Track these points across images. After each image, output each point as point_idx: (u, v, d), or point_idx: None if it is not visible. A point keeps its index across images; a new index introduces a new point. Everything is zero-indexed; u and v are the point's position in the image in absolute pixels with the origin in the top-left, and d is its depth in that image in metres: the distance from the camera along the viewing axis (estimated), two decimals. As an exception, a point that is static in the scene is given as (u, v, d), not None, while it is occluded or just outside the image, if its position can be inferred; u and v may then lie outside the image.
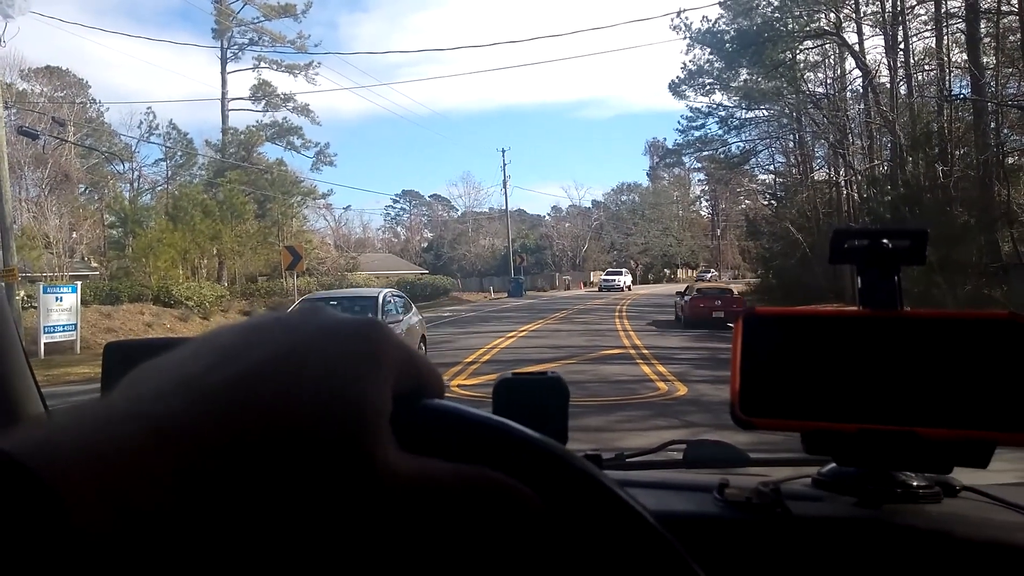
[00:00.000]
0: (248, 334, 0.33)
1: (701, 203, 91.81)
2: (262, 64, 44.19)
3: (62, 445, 0.24)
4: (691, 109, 38.56)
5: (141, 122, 47.25)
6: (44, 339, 16.05)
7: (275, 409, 0.29)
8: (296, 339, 0.32)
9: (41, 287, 17.14)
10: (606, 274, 55.79)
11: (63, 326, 16.88)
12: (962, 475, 0.78)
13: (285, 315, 0.35)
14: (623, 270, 56.15)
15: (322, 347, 0.32)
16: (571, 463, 0.36)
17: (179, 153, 45.65)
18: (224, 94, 43.07)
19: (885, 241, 0.74)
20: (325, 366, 0.31)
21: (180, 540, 0.25)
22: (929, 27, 25.23)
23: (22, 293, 18.15)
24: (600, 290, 51.22)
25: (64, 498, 0.22)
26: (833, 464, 0.80)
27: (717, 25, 31.52)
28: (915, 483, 0.76)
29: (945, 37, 23.72)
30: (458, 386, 9.76)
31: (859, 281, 0.75)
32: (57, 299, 16.83)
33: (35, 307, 16.61)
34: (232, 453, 0.27)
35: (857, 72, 29.62)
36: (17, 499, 0.22)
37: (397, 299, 13.50)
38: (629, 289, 53.35)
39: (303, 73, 44.67)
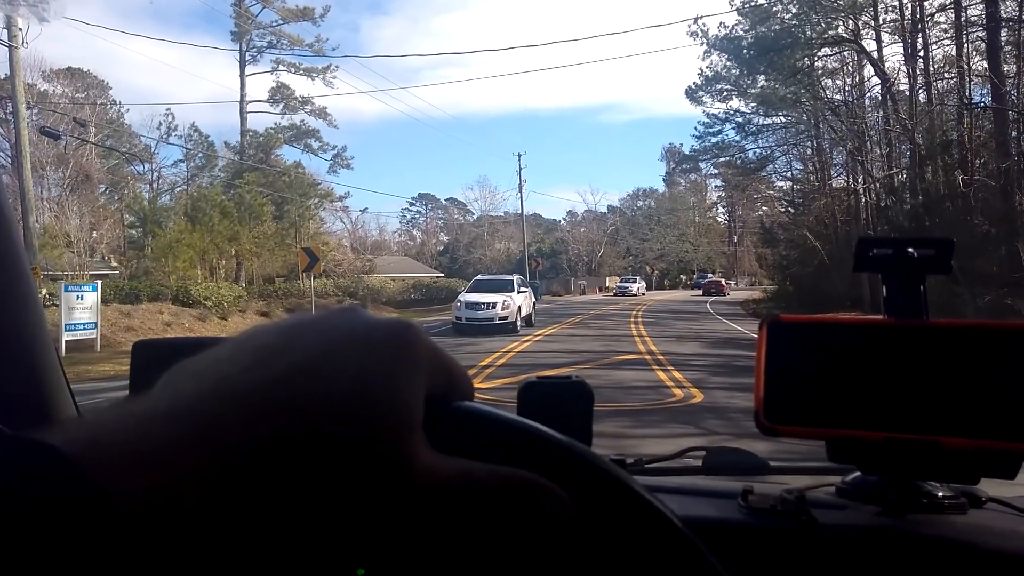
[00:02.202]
0: (283, 336, 0.33)
1: (718, 209, 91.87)
2: (280, 67, 44.53)
3: (106, 442, 0.25)
4: (708, 115, 38.43)
5: (161, 123, 47.73)
6: (65, 337, 16.20)
7: (310, 411, 0.29)
8: (331, 340, 0.32)
9: (62, 285, 17.30)
10: (469, 290, 23.73)
11: (84, 324, 17.04)
12: (989, 486, 0.78)
13: (319, 317, 0.35)
14: (514, 279, 24.13)
15: (356, 349, 0.32)
16: (601, 467, 0.36)
17: (199, 155, 46.05)
18: (242, 96, 43.39)
19: (910, 250, 0.74)
20: (359, 368, 0.31)
21: (216, 538, 0.26)
22: (949, 35, 25.07)
23: (44, 291, 18.34)
24: (458, 325, 21.20)
25: (109, 493, 0.23)
26: (857, 473, 0.79)
27: (735, 31, 31.45)
28: (940, 493, 0.76)
29: (965, 45, 23.53)
30: (473, 389, 9.74)
31: (884, 290, 0.75)
32: (78, 297, 16.99)
33: (56, 305, 16.77)
34: (268, 455, 0.27)
35: (876, 79, 29.45)
36: (64, 494, 0.23)
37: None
38: (527, 324, 22.62)
39: (321, 76, 44.94)
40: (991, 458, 0.69)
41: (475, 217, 78.13)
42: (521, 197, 58.69)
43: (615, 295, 56.35)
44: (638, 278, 65.03)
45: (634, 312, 30.74)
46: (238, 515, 0.26)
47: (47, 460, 0.23)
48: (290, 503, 0.28)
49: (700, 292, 57.57)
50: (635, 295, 55.90)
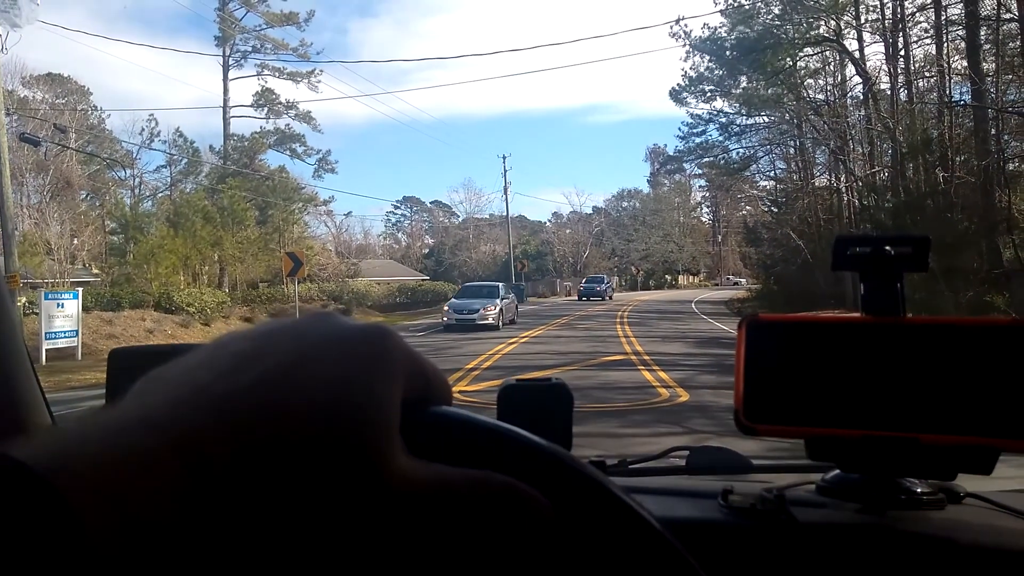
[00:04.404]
0: (258, 341, 0.33)
1: (702, 209, 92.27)
2: (265, 71, 44.35)
3: (75, 455, 0.24)
4: (692, 116, 38.63)
5: (143, 129, 47.39)
6: (46, 345, 16.05)
7: (286, 417, 0.29)
8: (306, 346, 0.32)
9: (42, 293, 17.13)
10: None
11: (65, 332, 16.89)
12: (966, 482, 0.78)
13: (294, 322, 0.35)
14: None
15: (332, 354, 0.32)
16: (578, 469, 0.36)
17: (182, 160, 45.74)
18: (226, 101, 43.16)
19: (887, 248, 0.75)
20: (335, 373, 0.31)
21: (192, 548, 0.25)
22: (929, 34, 25.29)
23: (24, 299, 18.16)
24: None
25: (77, 508, 0.23)
26: (837, 471, 0.80)
27: (717, 32, 31.61)
28: (919, 489, 0.76)
29: (945, 44, 23.76)
30: (460, 392, 9.75)
31: (862, 288, 0.75)
32: (59, 305, 16.83)
33: (37, 313, 16.61)
34: (244, 461, 0.27)
35: (857, 79, 29.70)
36: (31, 509, 0.22)
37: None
38: None
39: (305, 80, 44.79)
40: (968, 454, 0.69)
41: (460, 220, 78.08)
42: (506, 199, 58.67)
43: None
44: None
45: (620, 313, 30.82)
46: (213, 526, 0.26)
47: (12, 474, 0.23)
48: (267, 511, 0.27)
49: (584, 299, 44.99)
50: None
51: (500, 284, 26.10)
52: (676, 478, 1.06)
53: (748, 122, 37.65)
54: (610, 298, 46.54)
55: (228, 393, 0.29)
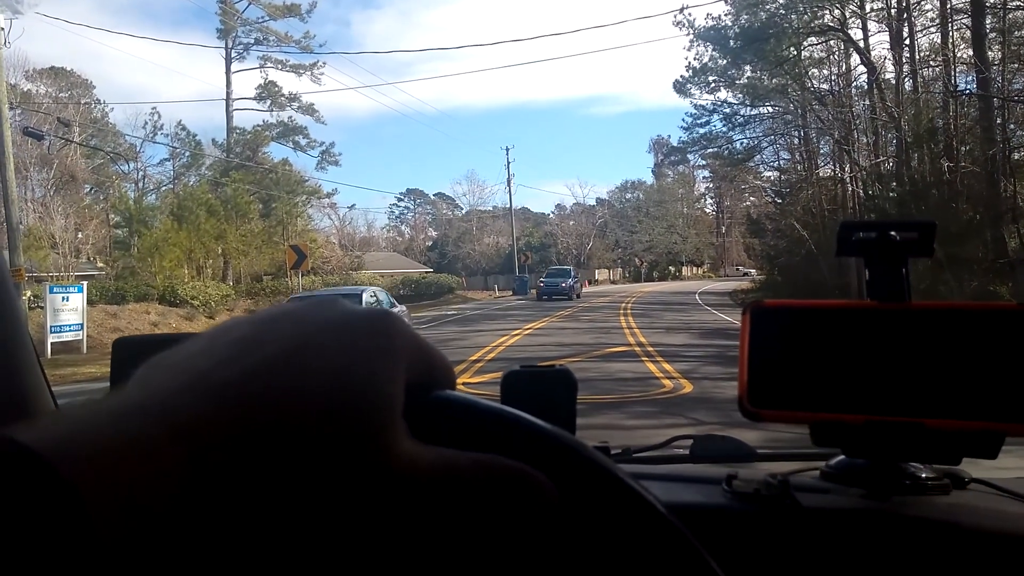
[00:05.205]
0: (259, 327, 0.32)
1: (706, 200, 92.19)
2: (268, 64, 44.31)
3: (78, 439, 0.24)
4: (696, 106, 38.50)
5: (146, 122, 47.45)
6: (51, 339, 16.11)
7: (288, 402, 0.29)
8: (308, 332, 0.32)
9: (47, 287, 17.21)
10: None
11: (70, 326, 16.95)
12: (971, 467, 0.78)
13: (296, 308, 0.35)
14: None
15: (334, 340, 0.32)
16: (583, 453, 0.36)
17: (185, 153, 45.78)
18: (228, 94, 43.16)
19: (893, 233, 0.74)
20: (337, 359, 0.31)
21: (194, 533, 0.25)
22: (934, 23, 25.16)
23: (29, 293, 18.21)
24: None
25: (81, 491, 0.23)
26: (841, 456, 0.80)
27: (721, 22, 31.48)
28: (924, 475, 0.76)
29: (951, 33, 23.63)
30: (464, 384, 9.77)
31: (867, 273, 0.75)
32: (64, 299, 16.90)
33: (42, 307, 16.67)
34: (246, 447, 0.27)
35: (862, 68, 29.54)
36: (36, 492, 0.22)
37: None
38: None
39: (308, 72, 44.77)
40: (973, 438, 0.69)
41: (464, 212, 78.02)
42: (510, 191, 58.62)
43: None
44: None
45: (623, 304, 30.81)
46: (215, 512, 0.26)
47: (18, 458, 0.23)
48: (270, 497, 0.27)
49: (545, 297, 35.44)
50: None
51: (372, 289, 18.39)
52: (681, 465, 1.06)
53: (752, 112, 37.52)
54: (578, 296, 37.85)
55: (228, 379, 0.29)
